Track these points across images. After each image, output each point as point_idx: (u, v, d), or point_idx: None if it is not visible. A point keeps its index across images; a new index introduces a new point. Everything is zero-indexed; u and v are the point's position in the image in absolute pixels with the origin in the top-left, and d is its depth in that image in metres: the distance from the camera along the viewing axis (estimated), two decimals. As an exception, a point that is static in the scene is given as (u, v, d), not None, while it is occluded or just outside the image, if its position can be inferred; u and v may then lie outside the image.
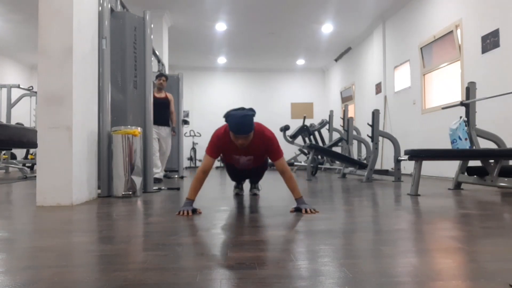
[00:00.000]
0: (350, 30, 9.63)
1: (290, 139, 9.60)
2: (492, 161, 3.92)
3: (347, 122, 6.99)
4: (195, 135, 12.82)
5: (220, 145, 2.84)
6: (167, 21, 8.60)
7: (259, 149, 2.93)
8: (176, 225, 2.17)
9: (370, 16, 8.67)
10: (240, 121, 2.57)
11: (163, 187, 4.60)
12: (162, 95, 5.86)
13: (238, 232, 1.96)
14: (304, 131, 9.55)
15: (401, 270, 1.30)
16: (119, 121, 4.15)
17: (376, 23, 8.94)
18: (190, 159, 12.72)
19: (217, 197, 3.63)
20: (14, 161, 8.87)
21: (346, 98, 11.67)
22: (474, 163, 4.41)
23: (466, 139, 4.09)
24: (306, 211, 2.59)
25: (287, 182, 2.76)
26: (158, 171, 5.76)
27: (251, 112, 2.62)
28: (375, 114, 5.76)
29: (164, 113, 5.79)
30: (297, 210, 2.66)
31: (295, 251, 1.58)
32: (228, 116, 2.63)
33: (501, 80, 5.03)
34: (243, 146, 2.76)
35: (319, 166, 8.18)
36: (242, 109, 2.68)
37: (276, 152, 2.83)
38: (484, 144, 4.68)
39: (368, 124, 5.96)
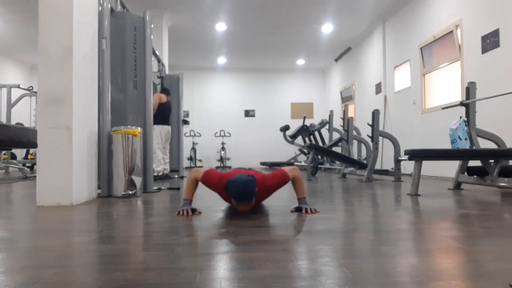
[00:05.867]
0: (350, 30, 9.63)
1: (290, 139, 9.60)
2: (492, 161, 3.92)
3: (347, 122, 6.99)
4: (195, 135, 12.82)
5: (217, 191, 2.66)
6: (167, 21, 8.60)
7: (264, 197, 2.77)
8: (176, 225, 2.17)
9: (370, 16, 8.67)
10: (242, 188, 2.36)
11: (163, 187, 4.60)
12: None
13: (238, 232, 1.96)
14: (304, 131, 9.56)
15: (401, 270, 1.30)
16: (119, 121, 4.15)
17: (376, 23, 8.94)
18: (190, 159, 12.72)
19: (217, 197, 3.63)
20: (14, 161, 8.87)
21: (346, 98, 11.67)
22: (474, 163, 4.41)
23: (466, 139, 4.09)
24: (306, 211, 2.59)
25: (295, 183, 2.69)
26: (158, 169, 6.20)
27: (252, 178, 2.41)
28: (375, 114, 5.76)
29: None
30: (298, 210, 2.66)
31: (295, 251, 1.58)
32: (229, 182, 2.42)
33: (501, 80, 5.03)
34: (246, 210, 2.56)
35: (319, 166, 8.18)
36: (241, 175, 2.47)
37: (282, 181, 2.64)
38: (484, 144, 4.68)
39: (368, 124, 5.96)
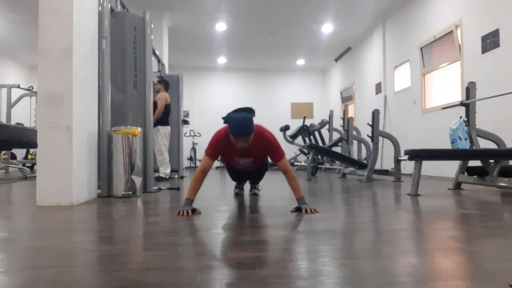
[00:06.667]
0: (350, 30, 9.63)
1: (290, 139, 9.60)
2: (492, 161, 3.92)
3: (347, 122, 7.00)
4: (195, 135, 12.82)
5: (220, 147, 2.83)
6: (167, 21, 8.60)
7: (260, 151, 2.92)
8: (176, 225, 2.17)
9: (370, 16, 8.67)
10: (239, 123, 2.57)
11: (163, 187, 4.60)
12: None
13: (238, 232, 1.97)
14: (304, 131, 9.56)
15: (401, 270, 1.30)
16: (119, 121, 4.15)
17: (376, 23, 8.94)
18: (190, 159, 12.72)
19: (217, 197, 3.63)
20: (14, 161, 8.87)
21: (346, 98, 11.67)
22: (474, 163, 4.41)
23: (466, 139, 4.09)
24: (306, 211, 2.59)
25: (290, 181, 2.76)
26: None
27: (250, 114, 2.61)
28: (375, 114, 5.76)
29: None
30: (298, 210, 2.66)
31: (295, 251, 1.58)
32: (227, 118, 2.62)
33: (501, 80, 5.03)
34: (244, 148, 2.75)
35: (319, 166, 8.18)
36: (242, 110, 2.66)
37: (277, 153, 2.82)
38: (484, 144, 4.68)
39: (368, 124, 5.96)
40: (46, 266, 1.39)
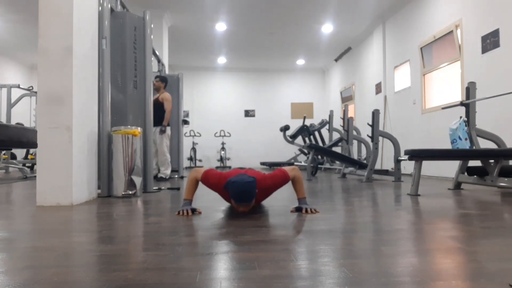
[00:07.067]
0: (350, 30, 9.63)
1: (290, 139, 9.61)
2: (492, 161, 3.92)
3: (347, 122, 7.00)
4: (195, 135, 12.82)
5: (215, 191, 2.67)
6: (167, 21, 8.60)
7: (264, 197, 2.78)
8: (176, 225, 2.17)
9: (370, 16, 8.67)
10: (242, 189, 2.36)
11: (163, 187, 4.60)
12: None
13: (238, 232, 1.96)
14: (304, 131, 9.56)
15: (401, 270, 1.30)
16: (119, 121, 4.15)
17: (376, 23, 8.94)
18: (190, 159, 12.72)
19: (217, 197, 3.63)
20: (14, 161, 8.87)
21: (346, 98, 11.67)
22: (474, 163, 4.41)
23: (466, 139, 4.09)
24: (306, 211, 2.59)
25: (295, 183, 2.69)
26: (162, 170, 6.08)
27: (252, 179, 2.40)
28: (375, 114, 5.76)
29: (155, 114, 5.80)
30: (298, 210, 2.66)
31: (295, 251, 1.58)
32: (229, 184, 2.41)
33: (501, 80, 5.03)
34: (245, 210, 2.57)
35: (319, 166, 8.18)
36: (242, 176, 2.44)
37: (283, 181, 2.63)
38: (484, 144, 4.67)
39: (368, 124, 5.96)
40: (46, 266, 1.39)
